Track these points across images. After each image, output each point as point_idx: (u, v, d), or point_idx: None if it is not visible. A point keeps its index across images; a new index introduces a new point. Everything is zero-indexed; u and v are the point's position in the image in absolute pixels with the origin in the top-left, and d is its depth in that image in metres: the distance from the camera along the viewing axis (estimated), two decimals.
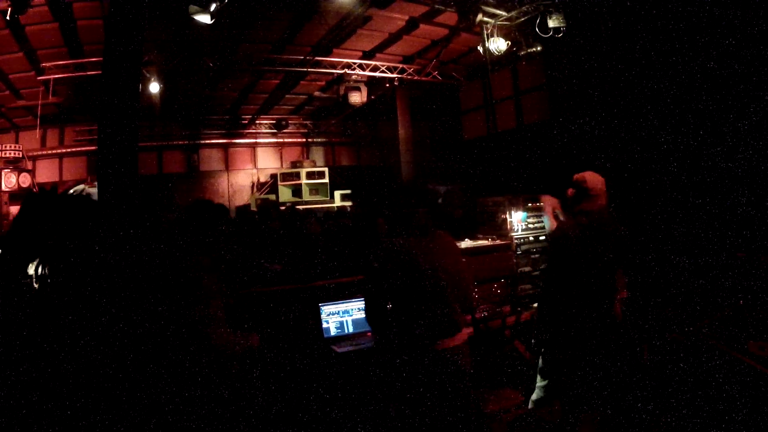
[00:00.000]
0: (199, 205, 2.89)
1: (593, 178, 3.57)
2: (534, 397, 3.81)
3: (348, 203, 12.99)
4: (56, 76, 9.12)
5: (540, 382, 3.76)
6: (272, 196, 13.85)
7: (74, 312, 1.63)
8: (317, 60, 10.37)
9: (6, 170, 10.98)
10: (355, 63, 10.75)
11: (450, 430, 2.77)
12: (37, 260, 1.63)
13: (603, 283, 3.43)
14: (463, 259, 3.18)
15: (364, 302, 3.01)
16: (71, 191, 2.00)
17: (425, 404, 2.75)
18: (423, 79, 11.76)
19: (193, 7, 6.12)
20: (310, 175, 14.06)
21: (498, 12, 8.20)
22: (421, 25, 9.20)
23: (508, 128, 11.29)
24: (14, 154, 11.42)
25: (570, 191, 3.64)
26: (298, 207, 10.15)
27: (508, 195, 5.28)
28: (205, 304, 2.55)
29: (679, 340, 3.57)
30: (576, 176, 3.63)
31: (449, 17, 8.76)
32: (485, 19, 8.18)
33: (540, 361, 3.77)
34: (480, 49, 8.64)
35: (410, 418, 2.78)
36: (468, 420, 2.83)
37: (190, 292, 2.53)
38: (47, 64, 9.04)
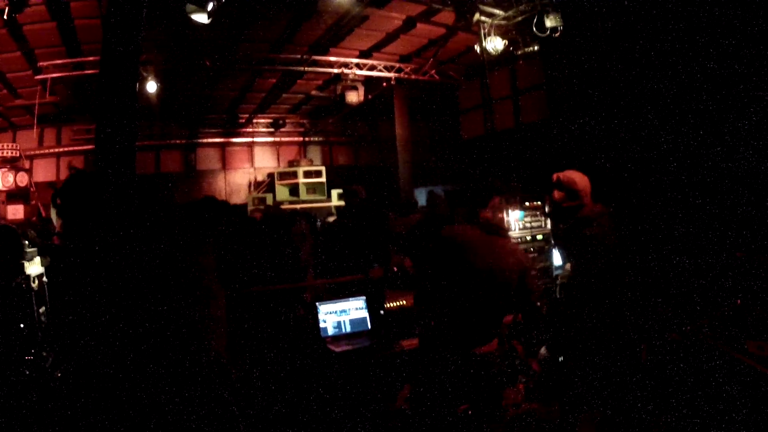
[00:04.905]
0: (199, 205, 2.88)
1: (582, 179, 3.20)
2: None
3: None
4: (54, 75, 9.10)
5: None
6: (269, 195, 13.82)
7: (74, 312, 1.62)
8: (314, 59, 10.36)
9: (3, 169, 10.97)
10: (352, 62, 10.73)
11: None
12: (38, 260, 1.62)
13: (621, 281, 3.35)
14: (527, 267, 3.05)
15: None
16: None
17: (450, 404, 2.73)
18: (421, 78, 11.74)
19: (190, 7, 6.09)
20: (307, 174, 13.96)
21: (495, 11, 8.21)
22: (419, 25, 9.19)
23: (506, 128, 11.29)
24: (12, 153, 11.42)
25: (557, 195, 3.24)
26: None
27: (506, 194, 5.27)
28: (205, 305, 2.54)
29: (679, 340, 3.56)
30: (562, 178, 3.21)
31: (447, 16, 8.77)
32: (483, 18, 8.20)
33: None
34: (477, 48, 8.64)
35: (423, 417, 2.77)
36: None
37: (190, 293, 2.52)
38: (45, 63, 9.01)
